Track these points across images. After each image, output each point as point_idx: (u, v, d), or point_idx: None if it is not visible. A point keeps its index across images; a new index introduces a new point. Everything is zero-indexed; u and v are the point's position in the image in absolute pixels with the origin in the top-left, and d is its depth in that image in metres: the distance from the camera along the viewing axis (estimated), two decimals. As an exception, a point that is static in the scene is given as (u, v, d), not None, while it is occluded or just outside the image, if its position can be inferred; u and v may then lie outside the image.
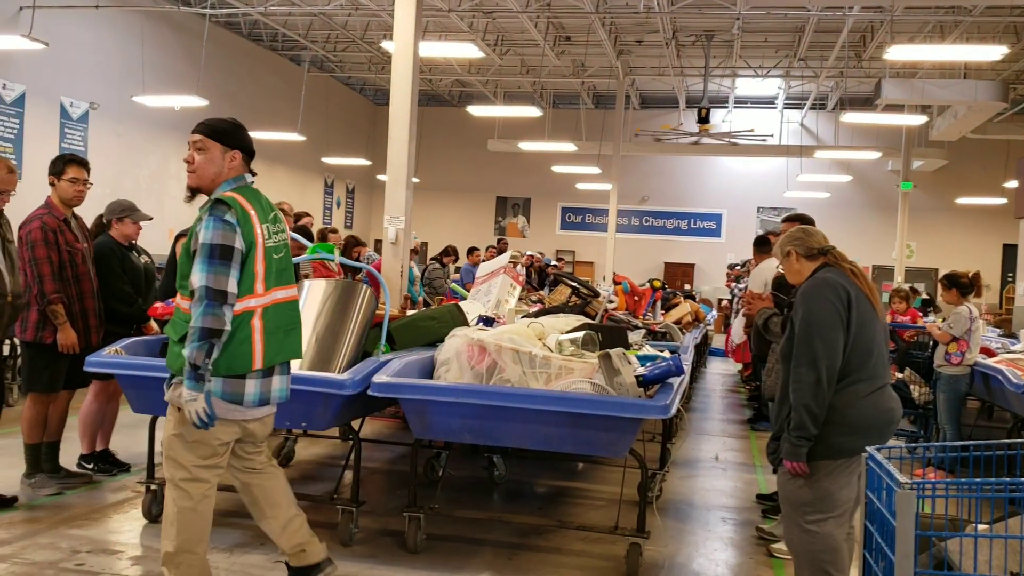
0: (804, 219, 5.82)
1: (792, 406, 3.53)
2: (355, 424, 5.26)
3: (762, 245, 7.91)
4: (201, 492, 3.47)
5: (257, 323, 3.42)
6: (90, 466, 5.92)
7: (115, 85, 14.80)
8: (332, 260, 5.39)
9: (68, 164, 5.42)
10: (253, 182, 3.63)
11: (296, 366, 4.59)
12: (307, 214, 7.84)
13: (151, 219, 6.14)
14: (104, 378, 5.62)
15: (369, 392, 4.41)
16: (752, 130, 21.56)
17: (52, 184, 5.43)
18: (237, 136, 3.59)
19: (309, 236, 7.11)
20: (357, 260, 9.87)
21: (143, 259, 6.16)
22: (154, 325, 6.02)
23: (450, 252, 13.34)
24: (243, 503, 5.31)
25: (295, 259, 6.50)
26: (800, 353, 3.53)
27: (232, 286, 3.32)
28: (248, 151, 3.61)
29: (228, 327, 3.30)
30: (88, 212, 5.76)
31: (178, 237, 6.44)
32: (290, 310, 3.61)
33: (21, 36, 11.27)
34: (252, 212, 3.43)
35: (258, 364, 3.43)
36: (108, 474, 5.92)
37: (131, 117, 15.22)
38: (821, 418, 3.48)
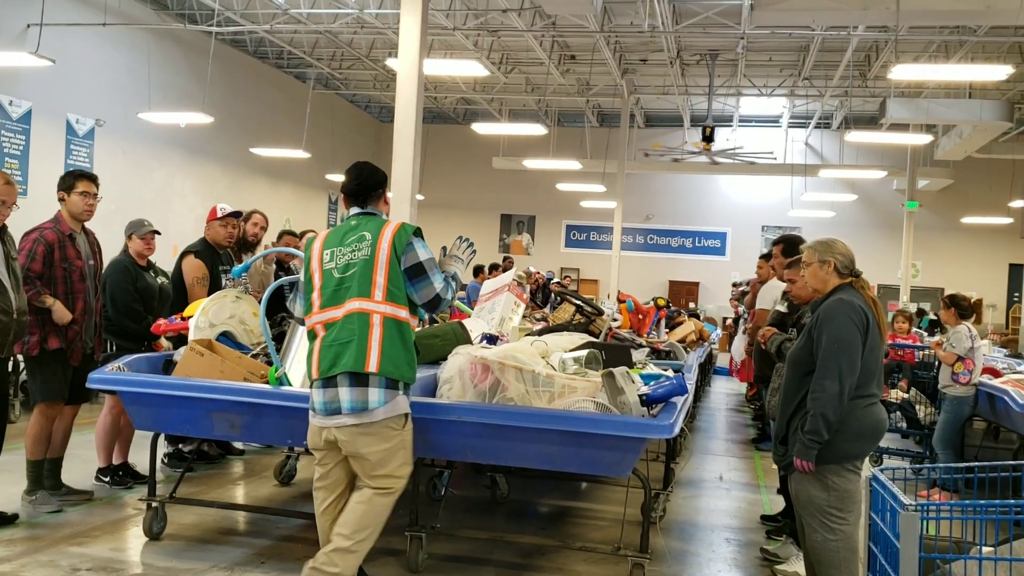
0: (797, 242, 5.85)
1: (811, 412, 3.80)
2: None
3: (770, 258, 7.87)
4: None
5: None
6: (107, 479, 5.92)
7: (121, 102, 14.88)
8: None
9: (78, 179, 5.51)
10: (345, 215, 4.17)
11: (297, 383, 4.60)
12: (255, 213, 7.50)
13: (157, 232, 6.15)
14: None
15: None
16: (772, 153, 21.56)
17: (62, 200, 5.47)
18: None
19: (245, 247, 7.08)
20: None
21: (159, 279, 6.21)
22: (164, 342, 6.04)
23: None
24: (241, 522, 5.28)
25: (297, 276, 6.54)
26: (826, 367, 3.80)
27: None
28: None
29: None
30: (93, 229, 5.77)
31: (183, 255, 6.47)
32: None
33: (28, 53, 11.34)
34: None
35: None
36: (125, 487, 5.91)
37: (137, 134, 15.29)
38: (835, 427, 3.78)
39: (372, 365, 3.69)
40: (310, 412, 3.88)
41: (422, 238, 3.96)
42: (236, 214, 6.61)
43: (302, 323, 4.05)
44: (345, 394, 3.72)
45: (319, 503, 3.94)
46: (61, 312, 5.27)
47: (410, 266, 3.84)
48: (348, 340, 3.73)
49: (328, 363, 3.75)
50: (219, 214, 6.51)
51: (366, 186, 4.10)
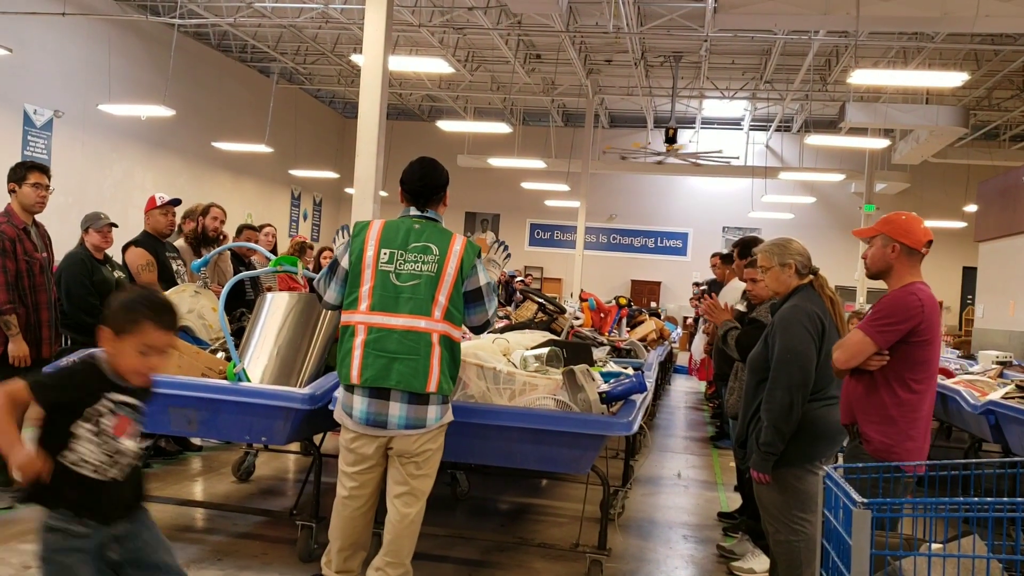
0: (753, 244, 5.89)
1: (764, 424, 3.80)
2: (316, 439, 5.22)
3: (731, 261, 7.94)
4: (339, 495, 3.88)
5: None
6: None
7: (80, 93, 14.64)
8: (295, 273, 5.36)
9: (30, 170, 5.38)
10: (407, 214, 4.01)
11: (256, 379, 4.56)
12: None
13: (114, 225, 6.08)
14: None
15: (330, 407, 4.37)
16: (721, 151, 21.77)
17: (12, 191, 5.36)
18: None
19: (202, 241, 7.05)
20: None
21: (116, 273, 6.13)
22: None
23: None
24: (198, 519, 5.22)
25: (258, 271, 6.48)
26: (777, 377, 3.81)
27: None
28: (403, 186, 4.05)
29: None
30: (49, 221, 5.69)
31: (125, 247, 6.42)
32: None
33: (-16, 42, 11.14)
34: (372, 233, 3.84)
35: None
36: None
37: (96, 126, 15.05)
38: (789, 436, 3.78)
39: (432, 385, 3.70)
40: (342, 416, 3.80)
41: (482, 259, 3.97)
42: (175, 202, 6.58)
43: (329, 308, 3.99)
44: (399, 410, 3.69)
45: (350, 510, 3.84)
46: (17, 348, 5.18)
47: (471, 290, 3.84)
48: (404, 356, 3.67)
49: (375, 372, 3.67)
50: (158, 203, 6.48)
51: (430, 188, 4.03)
